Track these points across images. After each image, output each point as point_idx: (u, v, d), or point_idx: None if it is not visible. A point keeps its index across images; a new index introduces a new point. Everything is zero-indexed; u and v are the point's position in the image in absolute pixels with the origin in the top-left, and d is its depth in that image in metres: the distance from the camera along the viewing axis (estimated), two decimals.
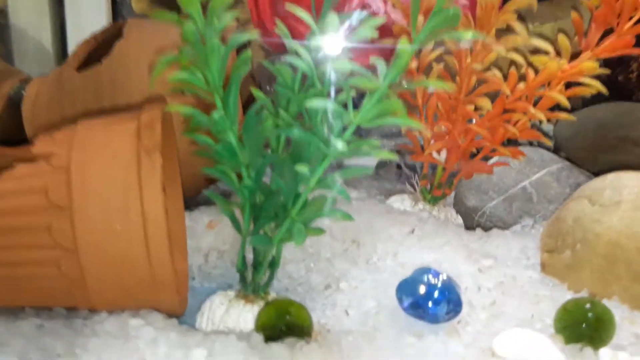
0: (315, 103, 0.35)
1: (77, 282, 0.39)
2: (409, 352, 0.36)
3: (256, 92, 0.42)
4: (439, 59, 0.59)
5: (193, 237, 0.52)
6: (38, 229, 0.39)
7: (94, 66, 0.59)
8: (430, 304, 0.39)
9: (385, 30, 0.58)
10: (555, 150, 0.68)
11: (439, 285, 0.39)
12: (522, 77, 0.56)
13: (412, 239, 0.49)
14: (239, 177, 0.41)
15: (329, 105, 0.35)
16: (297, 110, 0.42)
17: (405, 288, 0.40)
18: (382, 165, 0.72)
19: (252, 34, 0.40)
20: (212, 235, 0.52)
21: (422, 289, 0.39)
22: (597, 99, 0.57)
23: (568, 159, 0.65)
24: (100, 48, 0.64)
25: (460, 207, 0.63)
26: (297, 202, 0.39)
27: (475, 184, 0.62)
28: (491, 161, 0.60)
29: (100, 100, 0.56)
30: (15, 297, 0.41)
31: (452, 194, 0.62)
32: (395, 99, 0.35)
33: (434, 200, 0.59)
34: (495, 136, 0.56)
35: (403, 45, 0.34)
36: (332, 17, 0.40)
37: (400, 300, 0.40)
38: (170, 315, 0.42)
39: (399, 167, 0.69)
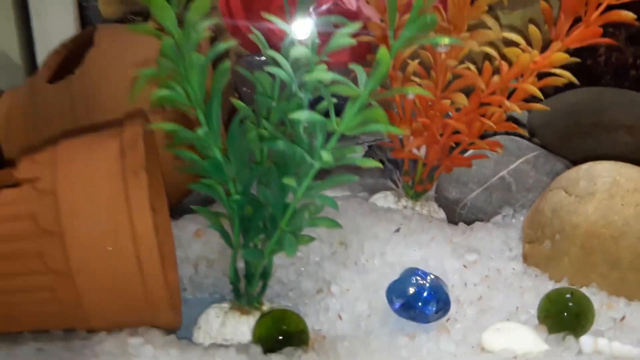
0: (299, 115, 0.36)
1: (73, 304, 0.40)
2: (403, 354, 0.38)
3: (237, 103, 0.42)
4: (413, 55, 0.59)
5: (180, 247, 0.52)
6: (29, 256, 0.39)
7: (66, 78, 0.58)
8: (420, 304, 0.40)
9: (353, 19, 0.58)
10: (530, 136, 0.69)
11: (428, 285, 0.40)
12: (496, 70, 0.57)
13: (398, 237, 0.50)
14: (226, 190, 0.41)
15: (313, 116, 0.36)
16: (279, 118, 0.42)
17: (395, 290, 0.41)
18: None
19: (230, 42, 0.41)
20: (199, 244, 0.52)
21: (411, 290, 0.40)
22: (568, 86, 0.59)
23: (543, 146, 0.66)
24: (71, 57, 0.63)
25: (441, 200, 0.64)
26: (285, 212, 0.39)
27: (455, 177, 0.63)
28: (468, 153, 0.62)
29: (74, 112, 0.55)
30: (11, 324, 0.41)
31: (433, 188, 0.64)
32: (377, 107, 0.36)
33: (416, 196, 0.61)
34: (473, 130, 0.58)
35: (382, 53, 0.34)
36: (306, 23, 0.40)
37: (390, 301, 0.41)
38: (167, 330, 0.42)
39: (381, 162, 0.70)
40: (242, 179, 0.40)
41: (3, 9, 0.79)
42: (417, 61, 0.59)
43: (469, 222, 0.57)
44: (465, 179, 0.64)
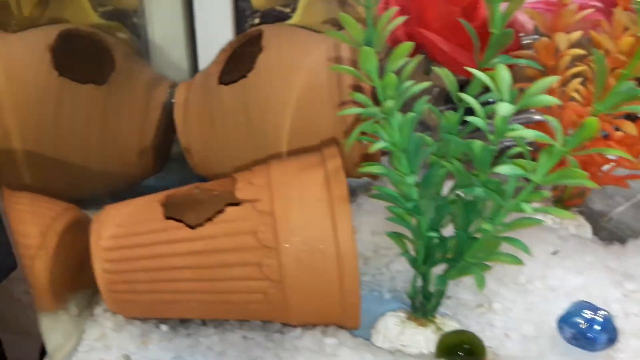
0: (504, 170, 0.39)
1: (280, 305, 0.47)
2: None
3: (426, 140, 0.46)
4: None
5: None
6: (249, 265, 0.46)
7: (240, 80, 0.62)
8: (590, 335, 0.44)
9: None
10: None
11: (598, 319, 0.44)
12: None
13: (556, 259, 0.54)
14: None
15: (515, 170, 0.39)
16: (461, 153, 0.46)
17: (566, 321, 0.45)
18: None
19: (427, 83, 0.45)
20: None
21: (582, 323, 0.44)
22: None
23: None
24: (234, 55, 0.67)
25: (585, 209, 0.66)
26: (472, 246, 0.44)
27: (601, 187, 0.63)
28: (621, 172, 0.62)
29: (247, 115, 0.60)
30: (226, 314, 0.49)
31: None
32: (577, 166, 0.39)
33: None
34: (633, 153, 0.58)
35: (590, 122, 0.37)
36: (502, 70, 0.43)
37: (561, 329, 0.46)
38: (349, 329, 0.49)
39: None
40: (432, 214, 0.45)
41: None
42: (578, 80, 0.60)
43: (614, 238, 0.59)
44: (611, 192, 0.64)
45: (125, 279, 0.47)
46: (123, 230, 0.47)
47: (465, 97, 0.44)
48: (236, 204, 0.47)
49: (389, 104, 0.41)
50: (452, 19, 0.67)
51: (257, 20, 0.84)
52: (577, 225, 0.63)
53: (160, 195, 0.50)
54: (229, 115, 0.61)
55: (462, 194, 0.44)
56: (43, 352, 0.47)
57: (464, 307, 0.52)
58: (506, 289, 0.52)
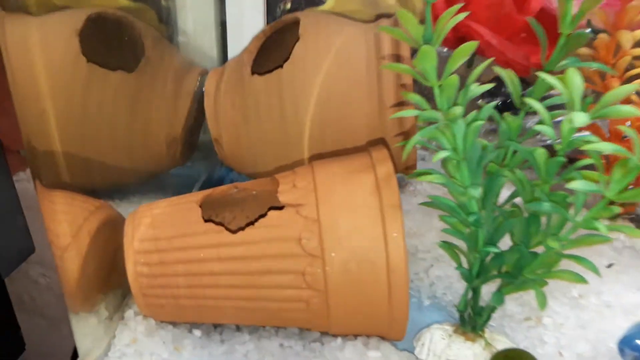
0: (577, 185, 0.36)
1: (321, 315, 0.45)
2: None
3: (484, 144, 0.43)
4: None
5: None
6: (292, 273, 0.43)
7: (275, 70, 0.60)
8: None
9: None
10: None
11: None
12: None
13: (612, 274, 0.51)
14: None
15: (590, 187, 0.37)
16: (521, 162, 0.43)
17: (628, 343, 0.43)
18: None
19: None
20: None
21: None
22: None
23: None
24: (268, 42, 0.65)
25: (634, 215, 0.63)
26: (532, 262, 0.41)
27: None
28: None
29: (282, 107, 0.57)
30: (263, 321, 0.47)
31: None
32: None
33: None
34: None
35: None
36: (574, 75, 0.40)
37: (621, 352, 0.43)
38: (392, 340, 0.47)
39: None
40: (490, 227, 0.42)
41: None
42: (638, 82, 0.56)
43: None
44: None
45: (161, 283, 0.45)
46: (159, 232, 0.45)
47: (531, 102, 0.41)
48: (279, 207, 0.45)
49: (456, 111, 0.38)
50: (501, 10, 0.63)
51: (288, 5, 0.80)
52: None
53: (198, 196, 0.47)
54: (263, 107, 0.58)
55: (521, 206, 0.41)
56: (75, 354, 0.45)
57: (511, 320, 0.50)
58: (557, 302, 0.49)
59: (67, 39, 0.58)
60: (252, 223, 0.44)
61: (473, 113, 0.41)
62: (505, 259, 0.42)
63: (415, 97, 0.44)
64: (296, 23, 0.61)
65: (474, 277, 0.44)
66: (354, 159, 0.47)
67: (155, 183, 0.68)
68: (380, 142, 0.53)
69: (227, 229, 0.44)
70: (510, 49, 0.62)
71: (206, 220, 0.45)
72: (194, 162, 0.72)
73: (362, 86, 0.55)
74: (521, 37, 0.65)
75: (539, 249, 0.42)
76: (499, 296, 0.43)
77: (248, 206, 0.46)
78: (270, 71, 0.59)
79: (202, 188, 0.70)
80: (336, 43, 0.58)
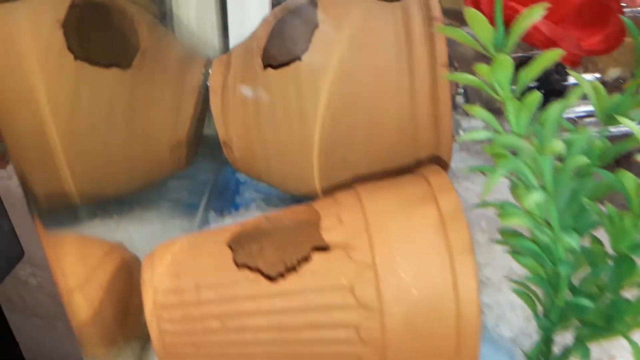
0: None
1: None
2: None
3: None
4: None
5: None
6: (344, 327, 0.37)
7: (292, 64, 0.51)
8: None
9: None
10: None
11: None
12: None
13: None
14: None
15: None
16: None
17: None
18: None
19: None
20: None
21: None
22: None
23: None
24: (279, 25, 0.56)
25: None
26: (623, 311, 0.36)
27: None
28: None
29: (301, 106, 0.49)
30: None
31: None
32: None
33: None
34: None
35: None
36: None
37: None
38: None
39: None
40: (567, 272, 0.36)
41: None
42: None
43: None
44: None
45: (189, 341, 0.38)
46: (184, 282, 0.38)
47: (625, 121, 0.34)
48: (323, 247, 0.38)
49: (556, 147, 0.31)
50: None
51: None
52: None
53: (226, 233, 0.40)
54: (280, 102, 0.50)
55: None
56: None
57: None
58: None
59: (48, 30, 0.48)
60: (294, 268, 0.37)
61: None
62: (589, 307, 0.37)
63: (481, 113, 0.37)
64: (313, 5, 0.53)
65: (553, 327, 0.38)
66: (408, 185, 0.40)
67: (155, 191, 0.61)
68: (434, 159, 0.45)
69: (264, 275, 0.37)
70: (561, 37, 0.54)
71: (238, 265, 0.38)
72: (198, 162, 0.64)
73: (391, 77, 0.47)
74: (569, 21, 0.58)
75: (628, 291, 0.36)
76: (584, 350, 0.37)
77: (283, 243, 0.39)
78: (286, 64, 0.51)
79: (210, 193, 0.63)
80: (361, 31, 0.50)
